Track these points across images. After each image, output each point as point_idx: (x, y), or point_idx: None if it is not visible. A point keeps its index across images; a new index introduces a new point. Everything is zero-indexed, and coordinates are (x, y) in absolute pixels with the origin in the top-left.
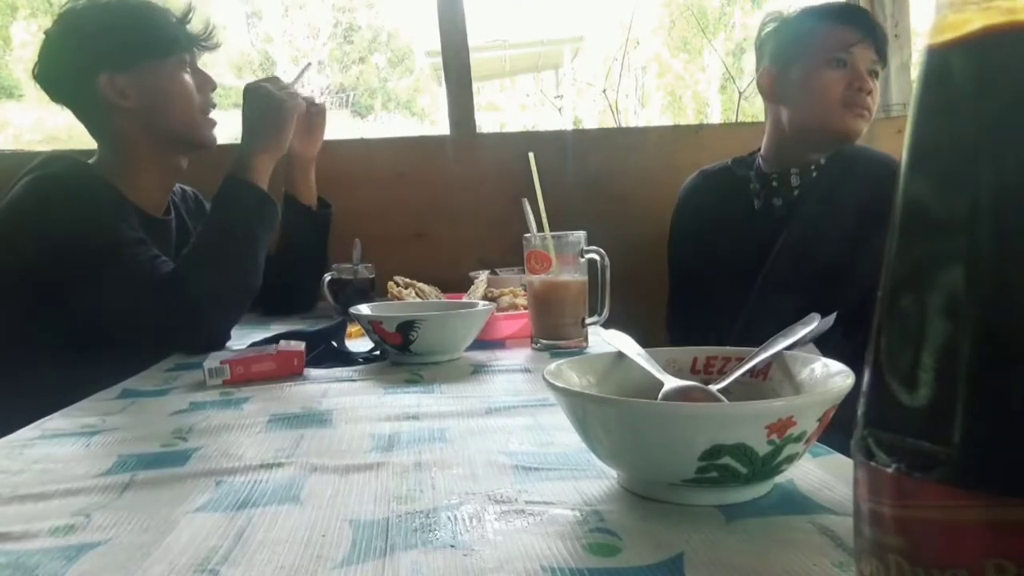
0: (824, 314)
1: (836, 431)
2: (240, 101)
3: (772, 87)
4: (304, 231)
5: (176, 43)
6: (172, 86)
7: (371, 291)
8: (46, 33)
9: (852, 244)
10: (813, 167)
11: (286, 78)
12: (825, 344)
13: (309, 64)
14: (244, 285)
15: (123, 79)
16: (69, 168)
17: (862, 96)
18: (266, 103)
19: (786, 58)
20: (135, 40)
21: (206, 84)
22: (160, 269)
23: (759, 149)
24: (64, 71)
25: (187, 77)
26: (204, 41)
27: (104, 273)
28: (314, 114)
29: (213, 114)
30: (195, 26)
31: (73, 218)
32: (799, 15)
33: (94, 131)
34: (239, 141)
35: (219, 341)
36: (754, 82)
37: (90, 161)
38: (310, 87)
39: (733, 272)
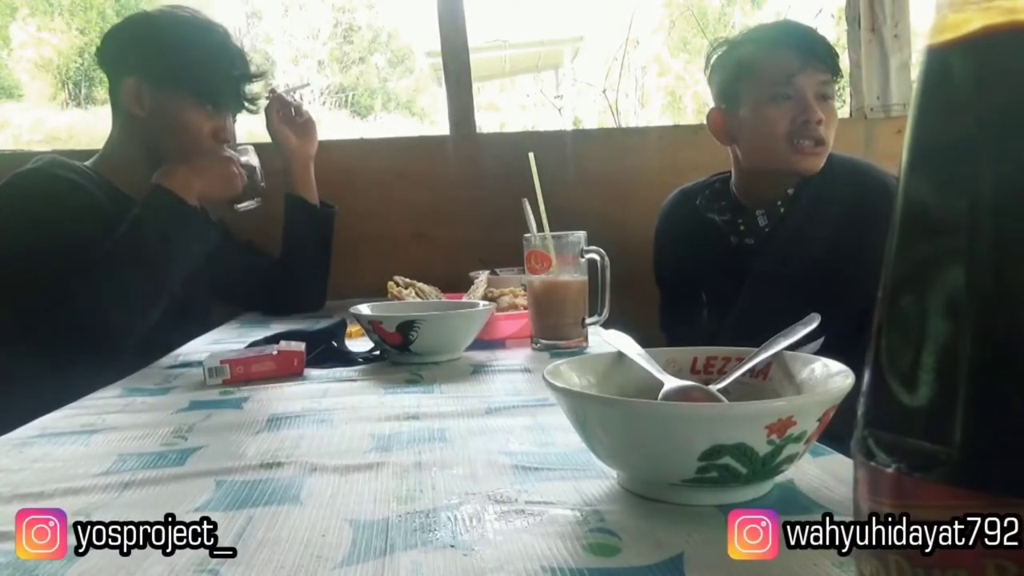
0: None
1: (836, 431)
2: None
3: (723, 129)
4: (309, 231)
5: (215, 96)
6: (184, 123)
7: (259, 181)
8: (140, 11)
9: (824, 275)
10: (780, 203)
11: (284, 84)
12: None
13: (307, 84)
14: (153, 292)
15: (147, 92)
16: (45, 167)
17: (810, 128)
18: (223, 172)
19: (733, 97)
20: (179, 70)
21: (222, 134)
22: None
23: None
24: (109, 50)
25: (203, 122)
26: (248, 104)
27: (44, 270)
28: (309, 126)
29: None
30: (249, 90)
31: (28, 217)
32: (741, 45)
33: (113, 114)
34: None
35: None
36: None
37: (87, 163)
38: (302, 97)
39: (715, 298)
